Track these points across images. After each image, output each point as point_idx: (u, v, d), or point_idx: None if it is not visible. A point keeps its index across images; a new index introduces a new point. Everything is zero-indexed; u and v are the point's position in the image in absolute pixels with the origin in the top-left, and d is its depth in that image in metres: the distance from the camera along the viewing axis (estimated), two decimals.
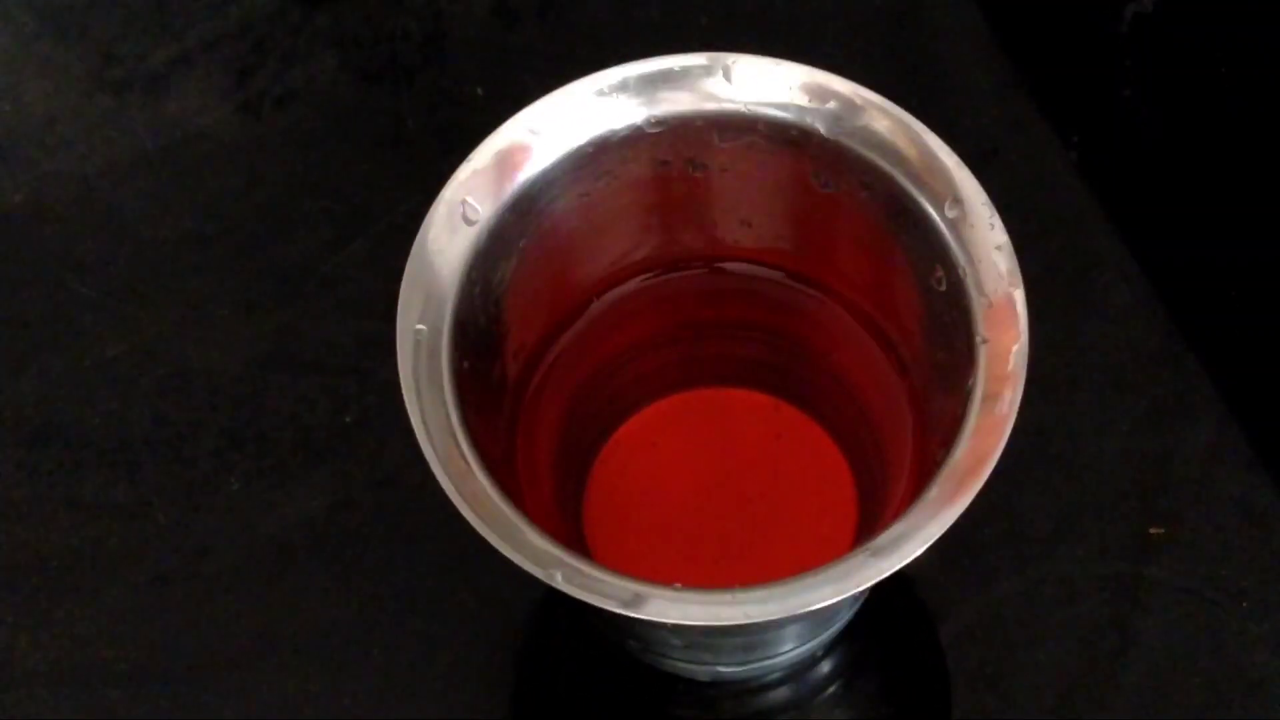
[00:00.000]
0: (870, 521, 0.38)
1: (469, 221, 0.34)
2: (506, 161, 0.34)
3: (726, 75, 0.35)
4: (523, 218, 0.35)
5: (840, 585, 0.30)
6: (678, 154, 0.36)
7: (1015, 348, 0.32)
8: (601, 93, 0.34)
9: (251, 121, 0.50)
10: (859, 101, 0.34)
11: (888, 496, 0.37)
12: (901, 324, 0.36)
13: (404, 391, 0.32)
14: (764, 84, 0.34)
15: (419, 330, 0.32)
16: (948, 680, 0.41)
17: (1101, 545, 0.42)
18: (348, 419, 0.45)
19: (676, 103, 0.35)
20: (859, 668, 0.42)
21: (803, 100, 0.34)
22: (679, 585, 0.30)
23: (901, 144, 0.34)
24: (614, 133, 0.35)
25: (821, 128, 0.34)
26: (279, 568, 0.43)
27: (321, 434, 0.45)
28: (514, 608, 0.42)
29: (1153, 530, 0.42)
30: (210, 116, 0.50)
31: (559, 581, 0.30)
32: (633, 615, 0.29)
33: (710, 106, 0.35)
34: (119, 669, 0.42)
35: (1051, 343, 0.45)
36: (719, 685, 0.42)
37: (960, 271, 0.33)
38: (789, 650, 0.39)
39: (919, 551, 0.30)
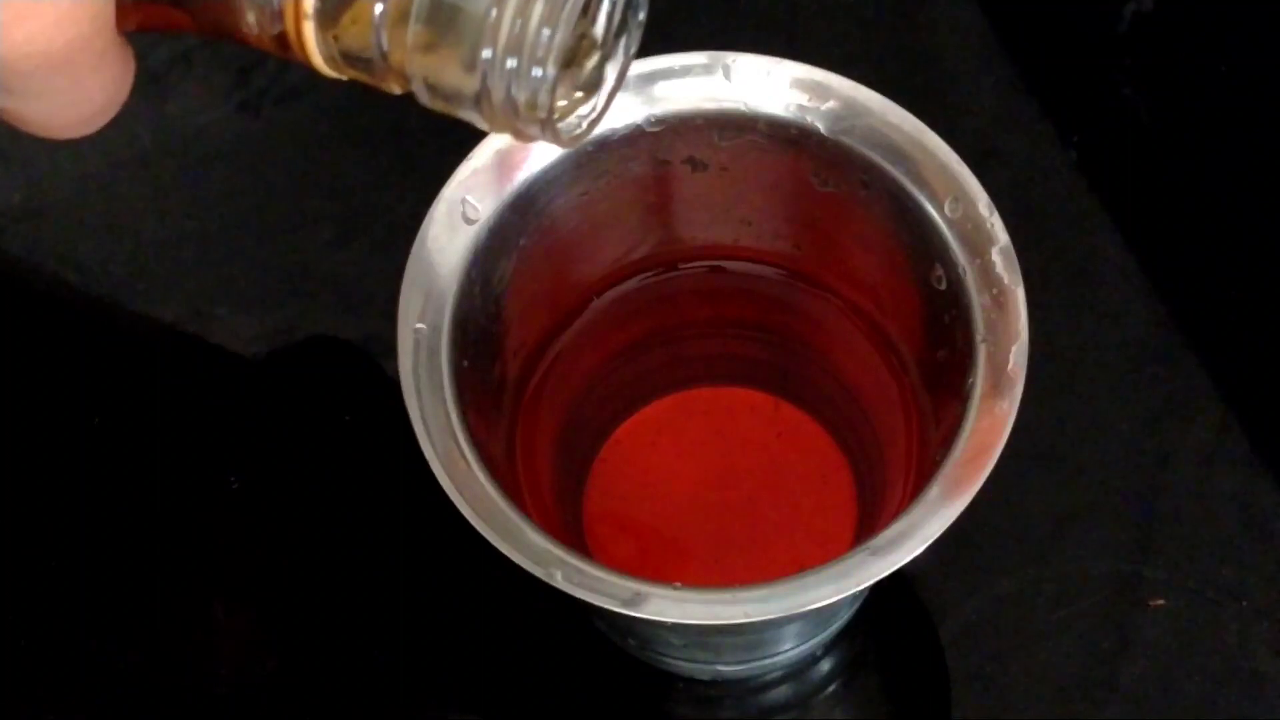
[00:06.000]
0: (870, 521, 0.38)
1: (469, 220, 0.34)
2: (507, 160, 0.34)
3: (726, 74, 0.35)
4: (523, 216, 0.35)
5: (840, 584, 0.30)
6: (677, 153, 0.36)
7: (1015, 348, 0.32)
8: None
9: (251, 121, 0.50)
10: (859, 101, 0.34)
11: (888, 496, 0.37)
12: (901, 323, 0.36)
13: (404, 391, 0.32)
14: (764, 83, 0.34)
15: (419, 329, 0.32)
16: (948, 680, 0.41)
17: (1101, 545, 0.42)
18: (348, 419, 0.45)
19: (676, 101, 0.35)
20: (859, 667, 0.42)
21: (803, 99, 0.34)
22: (679, 585, 0.30)
23: (901, 143, 0.34)
24: (614, 132, 0.35)
25: (821, 127, 0.34)
26: (280, 568, 0.43)
27: (322, 434, 0.45)
28: (514, 608, 0.42)
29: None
30: (210, 116, 0.50)
31: (559, 581, 0.30)
32: (633, 614, 0.29)
33: (710, 105, 0.35)
34: (118, 672, 0.42)
35: (1051, 343, 0.45)
36: (719, 684, 0.42)
37: (960, 271, 0.33)
38: (789, 649, 0.39)
39: (919, 550, 0.30)
